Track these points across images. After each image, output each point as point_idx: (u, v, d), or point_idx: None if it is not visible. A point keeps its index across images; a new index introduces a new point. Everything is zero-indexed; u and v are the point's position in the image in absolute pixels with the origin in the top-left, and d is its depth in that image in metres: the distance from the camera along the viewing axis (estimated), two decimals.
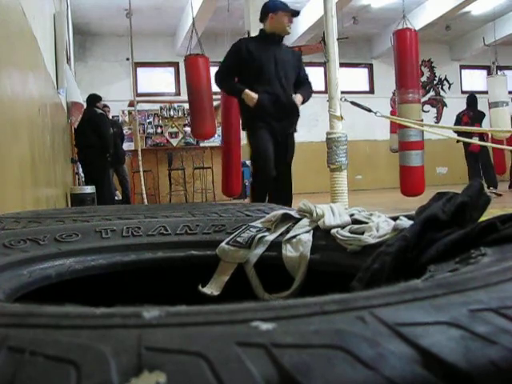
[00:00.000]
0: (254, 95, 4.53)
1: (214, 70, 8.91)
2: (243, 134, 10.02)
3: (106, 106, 8.99)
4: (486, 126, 11.33)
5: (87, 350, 0.30)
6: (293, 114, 4.73)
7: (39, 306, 0.37)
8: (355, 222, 0.94)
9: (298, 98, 4.73)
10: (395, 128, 11.34)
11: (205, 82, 8.23)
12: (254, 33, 8.16)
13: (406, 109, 7.20)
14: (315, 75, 13.56)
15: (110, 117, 9.85)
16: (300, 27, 12.59)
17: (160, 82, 13.98)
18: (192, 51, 8.48)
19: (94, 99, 8.27)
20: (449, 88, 16.05)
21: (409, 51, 7.38)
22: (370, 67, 15.62)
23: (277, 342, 0.31)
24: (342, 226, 0.93)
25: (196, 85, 8.17)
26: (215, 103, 12.74)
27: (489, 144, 9.35)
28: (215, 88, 8.73)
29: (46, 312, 0.36)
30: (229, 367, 0.28)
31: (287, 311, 0.35)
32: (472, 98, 10.69)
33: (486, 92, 12.30)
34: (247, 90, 4.56)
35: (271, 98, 4.56)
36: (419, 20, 12.55)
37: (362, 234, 0.88)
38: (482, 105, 12.89)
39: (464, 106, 12.11)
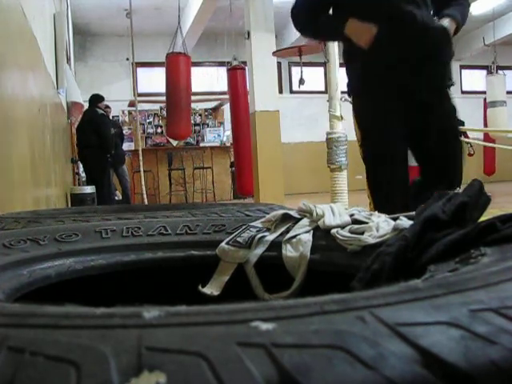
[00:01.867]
0: (369, 26, 2.43)
1: (211, 70, 8.97)
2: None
3: (107, 106, 8.99)
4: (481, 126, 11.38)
5: (87, 350, 0.30)
6: (441, 52, 2.53)
7: (39, 306, 0.37)
8: (355, 221, 0.94)
9: (447, 20, 2.48)
10: None
11: (184, 81, 8.15)
12: (255, 33, 8.18)
13: None
14: (315, 75, 13.60)
15: (111, 117, 9.86)
16: None
17: (160, 81, 13.97)
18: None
19: (96, 99, 8.27)
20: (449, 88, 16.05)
21: None
22: None
23: (277, 342, 0.31)
24: (342, 226, 0.93)
25: (175, 84, 8.11)
26: (215, 103, 12.79)
27: (489, 144, 9.38)
28: (209, 88, 8.75)
29: (46, 312, 0.36)
30: (229, 367, 0.28)
31: (287, 311, 0.35)
32: None
33: (485, 92, 12.32)
34: (354, 20, 2.47)
35: (398, 27, 2.41)
36: None
37: (362, 234, 0.88)
38: (480, 105, 12.92)
39: (464, 107, 12.08)
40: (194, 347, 0.30)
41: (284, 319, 0.33)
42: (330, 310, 0.35)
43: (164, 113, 13.21)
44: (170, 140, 12.99)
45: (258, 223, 1.05)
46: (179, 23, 8.39)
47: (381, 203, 2.53)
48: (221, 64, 9.41)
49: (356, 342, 0.31)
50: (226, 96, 9.52)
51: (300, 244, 0.95)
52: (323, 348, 0.30)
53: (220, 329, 0.32)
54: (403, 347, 0.31)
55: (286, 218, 1.03)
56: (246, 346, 0.30)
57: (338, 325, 0.33)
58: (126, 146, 12.17)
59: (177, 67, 8.12)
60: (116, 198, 9.51)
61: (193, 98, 8.70)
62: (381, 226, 0.87)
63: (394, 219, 0.87)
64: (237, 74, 8.48)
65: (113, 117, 10.84)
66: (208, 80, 13.38)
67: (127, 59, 12.91)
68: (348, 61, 2.70)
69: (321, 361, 0.29)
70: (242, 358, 0.29)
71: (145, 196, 7.98)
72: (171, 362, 0.29)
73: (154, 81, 13.84)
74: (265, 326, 0.32)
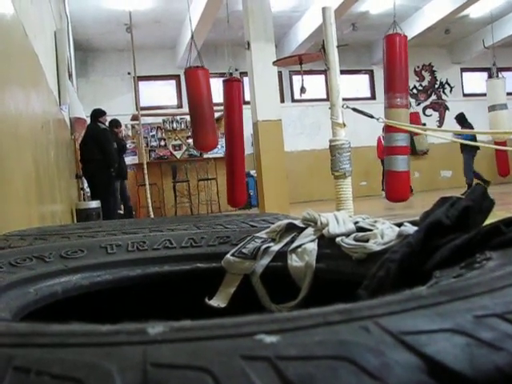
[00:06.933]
0: None
1: (212, 82, 9.01)
2: (247, 145, 10.03)
3: (117, 122, 9.03)
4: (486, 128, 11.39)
5: (93, 368, 0.30)
6: None
7: (44, 324, 0.38)
8: (360, 229, 0.94)
9: None
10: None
11: (205, 93, 8.22)
12: (255, 43, 8.21)
13: (393, 114, 7.10)
14: (316, 83, 13.63)
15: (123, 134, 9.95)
16: (299, 36, 12.65)
17: (162, 94, 14.04)
18: (192, 63, 8.50)
19: (97, 114, 8.29)
20: (450, 91, 16.06)
21: (398, 56, 7.35)
22: (371, 73, 15.65)
23: (281, 355, 0.30)
24: (347, 234, 0.93)
25: (197, 97, 8.17)
26: (217, 114, 12.84)
27: (492, 146, 9.40)
28: (214, 100, 8.79)
29: (52, 331, 0.36)
30: (234, 381, 0.28)
31: (291, 323, 0.35)
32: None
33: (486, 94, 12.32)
34: None
35: None
36: (418, 25, 12.59)
37: (367, 241, 0.88)
38: (482, 108, 12.91)
39: (466, 109, 12.11)
40: (199, 362, 0.30)
41: (288, 331, 0.33)
42: (334, 321, 0.35)
43: (167, 126, 13.26)
44: (174, 152, 13.03)
45: (262, 234, 1.05)
46: (192, 37, 8.41)
47: None
48: (221, 75, 9.45)
49: (360, 352, 0.31)
50: None
51: (305, 253, 0.95)
52: (328, 359, 0.30)
53: (224, 343, 0.32)
54: (408, 356, 0.31)
55: (290, 227, 1.03)
56: (251, 359, 0.30)
57: (342, 335, 0.33)
58: (130, 159, 12.20)
59: (197, 81, 8.17)
60: (121, 212, 9.52)
61: None
62: (385, 232, 0.87)
63: (399, 225, 0.87)
64: (233, 86, 8.51)
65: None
66: None
67: (129, 73, 12.97)
68: None
69: (326, 372, 0.29)
70: (246, 372, 0.29)
71: (150, 209, 8.00)
72: (176, 378, 0.29)
73: (155, 94, 13.90)
74: (269, 339, 0.32)
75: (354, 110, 4.85)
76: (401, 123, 6.52)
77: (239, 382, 0.28)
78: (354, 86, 14.83)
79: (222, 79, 8.89)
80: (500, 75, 11.92)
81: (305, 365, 0.30)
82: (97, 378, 0.29)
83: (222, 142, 13.10)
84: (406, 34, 7.70)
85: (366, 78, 15.67)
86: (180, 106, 13.85)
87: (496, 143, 12.04)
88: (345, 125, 4.53)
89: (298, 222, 1.04)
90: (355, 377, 0.29)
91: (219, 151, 12.86)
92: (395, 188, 7.32)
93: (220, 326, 0.35)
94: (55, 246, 1.03)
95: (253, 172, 11.09)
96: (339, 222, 0.97)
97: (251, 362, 0.30)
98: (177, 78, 13.87)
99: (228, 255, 1.00)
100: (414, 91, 15.53)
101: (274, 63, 7.76)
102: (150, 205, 8.03)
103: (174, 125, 13.26)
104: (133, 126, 12.95)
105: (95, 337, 0.34)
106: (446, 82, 16.06)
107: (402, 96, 7.17)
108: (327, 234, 0.95)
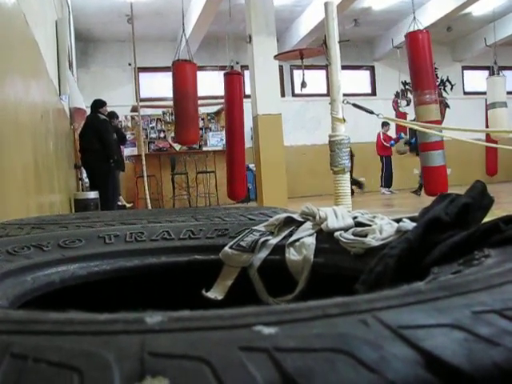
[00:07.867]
0: None
1: (213, 75, 8.98)
2: (247, 138, 10.02)
3: (114, 114, 8.94)
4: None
5: (90, 357, 0.30)
6: None
7: (42, 312, 0.37)
8: (358, 224, 0.94)
9: None
10: (398, 131, 11.58)
11: (191, 88, 8.18)
12: (256, 37, 8.19)
13: (424, 110, 7.15)
14: (317, 78, 13.61)
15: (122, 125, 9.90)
16: (301, 30, 12.62)
17: (162, 86, 13.99)
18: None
19: (97, 105, 8.26)
20: (451, 89, 16.04)
21: (422, 52, 7.38)
22: (372, 69, 15.62)
23: (279, 346, 0.30)
24: (346, 229, 0.93)
25: (182, 90, 8.14)
26: (217, 107, 12.83)
27: (486, 144, 9.42)
28: (211, 92, 8.76)
29: (49, 318, 0.36)
30: (231, 372, 0.28)
31: (290, 315, 0.35)
32: None
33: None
34: None
35: None
36: (421, 21, 12.54)
37: (366, 236, 0.88)
38: (482, 106, 12.90)
39: (467, 107, 12.09)
40: (197, 352, 0.30)
41: (286, 323, 0.33)
42: (333, 314, 0.35)
43: (167, 118, 13.23)
44: (173, 145, 13.01)
45: (261, 227, 1.05)
46: (183, 31, 8.39)
47: None
48: (222, 68, 9.44)
49: (359, 345, 0.31)
50: None
51: (303, 247, 0.95)
52: (326, 352, 0.30)
53: (222, 333, 0.32)
54: (406, 350, 0.31)
55: (288, 221, 1.03)
56: (249, 350, 0.30)
57: (341, 328, 0.33)
58: (129, 151, 12.19)
59: (184, 75, 8.14)
60: (119, 203, 9.51)
61: None
62: (384, 228, 0.87)
63: (397, 221, 0.87)
64: (234, 79, 8.49)
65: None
66: (210, 84, 13.39)
67: (129, 64, 12.94)
68: None
69: (324, 364, 0.29)
70: (244, 363, 0.29)
71: (148, 201, 7.99)
72: (174, 368, 0.29)
73: (156, 85, 13.86)
74: (267, 331, 0.32)
75: (355, 105, 4.85)
76: (402, 120, 6.51)
77: (237, 372, 0.28)
78: (355, 81, 14.80)
79: (223, 72, 8.88)
80: (501, 74, 11.91)
81: (303, 357, 0.30)
82: (94, 367, 0.29)
83: (221, 135, 13.12)
84: (427, 30, 7.73)
85: (366, 74, 15.65)
86: None
87: (489, 141, 12.04)
88: (345, 120, 4.53)
89: (296, 216, 1.04)
90: (353, 369, 0.29)
91: (219, 144, 12.86)
92: (434, 182, 7.34)
93: (218, 316, 0.35)
94: (53, 236, 1.03)
95: (252, 166, 11.09)
96: (338, 217, 0.97)
97: (249, 353, 0.30)
98: None
99: (226, 248, 1.00)
100: None
101: (275, 57, 7.75)
102: (148, 196, 8.03)
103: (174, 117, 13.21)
104: (132, 118, 12.93)
105: (93, 325, 0.34)
106: (447, 80, 16.04)
107: (431, 92, 7.23)
108: (326, 228, 0.95)
